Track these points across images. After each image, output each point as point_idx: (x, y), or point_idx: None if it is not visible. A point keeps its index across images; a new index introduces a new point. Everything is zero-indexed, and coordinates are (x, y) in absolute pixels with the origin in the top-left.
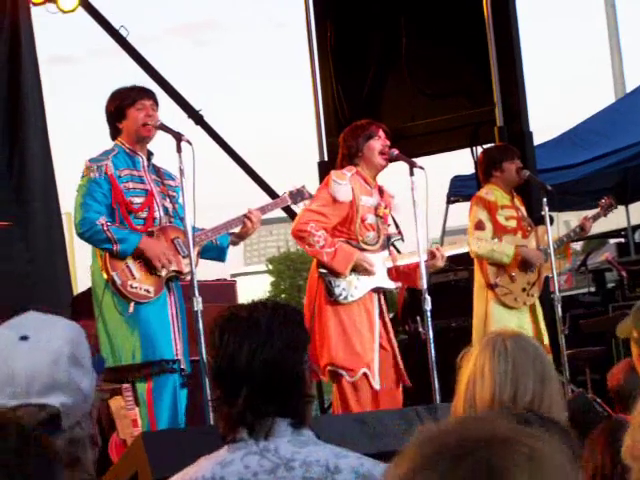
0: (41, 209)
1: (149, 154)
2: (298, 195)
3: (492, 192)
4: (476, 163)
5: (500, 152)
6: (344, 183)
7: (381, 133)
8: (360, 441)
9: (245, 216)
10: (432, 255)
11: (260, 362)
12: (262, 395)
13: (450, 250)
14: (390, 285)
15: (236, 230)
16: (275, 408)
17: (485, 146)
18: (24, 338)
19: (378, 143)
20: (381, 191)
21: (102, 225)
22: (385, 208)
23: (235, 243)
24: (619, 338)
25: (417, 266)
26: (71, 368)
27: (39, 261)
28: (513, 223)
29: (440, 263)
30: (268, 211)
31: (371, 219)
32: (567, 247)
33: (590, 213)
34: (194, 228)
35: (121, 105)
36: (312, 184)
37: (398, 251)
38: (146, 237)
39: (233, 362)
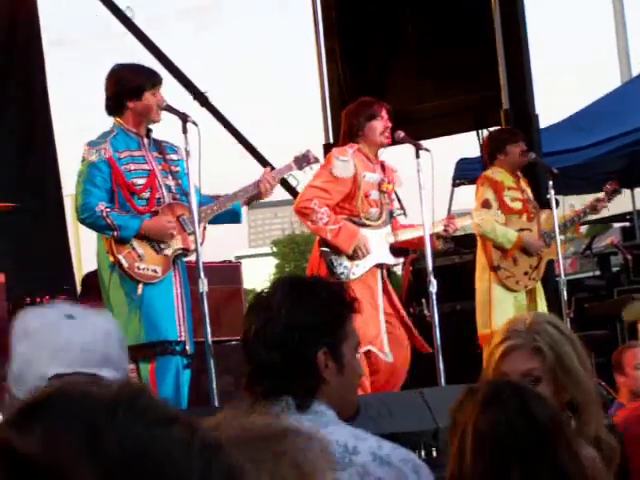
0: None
1: (148, 131)
2: (303, 160)
3: (498, 173)
4: (481, 146)
5: (504, 135)
6: (346, 159)
7: (384, 113)
8: (364, 423)
9: (259, 182)
10: (444, 229)
11: (263, 341)
12: (263, 374)
13: (459, 222)
14: (392, 261)
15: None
16: (276, 388)
17: (491, 129)
18: (70, 317)
19: (380, 124)
20: (383, 167)
21: (102, 211)
22: (388, 183)
23: (248, 204)
24: (624, 322)
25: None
26: (119, 348)
27: (22, 251)
28: (519, 205)
29: (451, 233)
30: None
31: (375, 195)
32: (577, 228)
33: (600, 196)
34: (203, 197)
35: (140, 86)
36: (318, 166)
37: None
38: (146, 221)
39: (246, 340)
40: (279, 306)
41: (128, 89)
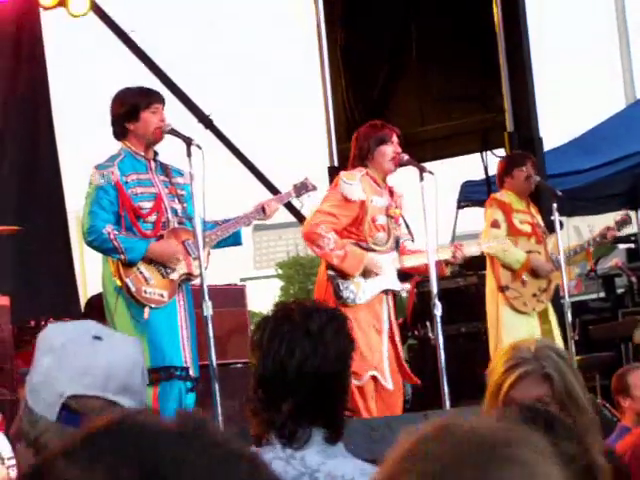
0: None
1: (154, 154)
2: (302, 187)
3: (507, 195)
4: (486, 168)
5: (513, 159)
6: (354, 183)
7: (394, 138)
8: (369, 446)
9: (262, 207)
10: (453, 256)
11: (310, 372)
12: (307, 406)
13: (467, 250)
14: (399, 287)
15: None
16: (317, 419)
17: (495, 151)
18: (97, 338)
19: (390, 149)
20: (391, 192)
21: (109, 234)
22: (396, 208)
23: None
24: (629, 344)
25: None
26: (142, 378)
27: (26, 273)
28: (527, 227)
29: (458, 261)
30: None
31: (382, 220)
32: (588, 252)
33: (611, 224)
34: (206, 224)
35: (135, 107)
36: (322, 189)
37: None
38: (153, 243)
39: (282, 369)
40: (321, 333)
41: (124, 112)
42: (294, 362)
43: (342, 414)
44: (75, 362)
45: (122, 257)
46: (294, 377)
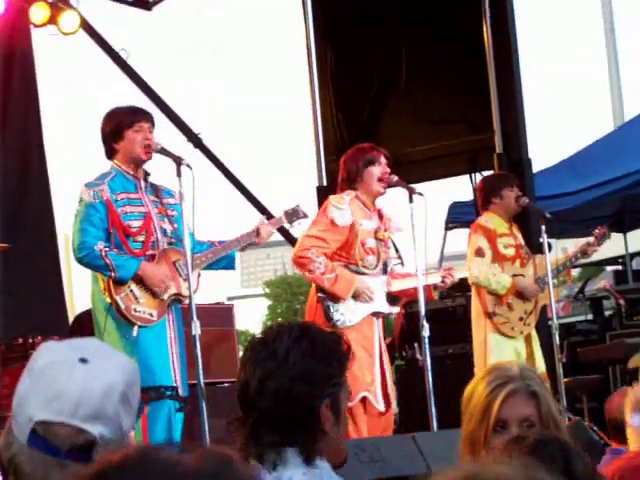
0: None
1: (145, 174)
2: (293, 215)
3: (491, 220)
4: (475, 190)
5: (500, 180)
6: (343, 207)
7: (382, 160)
8: (357, 467)
9: (258, 230)
10: (442, 281)
11: (269, 391)
12: (268, 424)
13: (457, 274)
14: (388, 309)
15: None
16: (281, 439)
17: (484, 173)
18: (83, 361)
19: (378, 170)
20: (380, 214)
21: (100, 251)
22: (385, 231)
23: (242, 249)
24: (617, 366)
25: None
26: (119, 404)
27: (15, 291)
28: (511, 251)
29: (448, 285)
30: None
31: (371, 243)
32: (569, 272)
33: (590, 240)
34: (198, 242)
35: (119, 126)
36: (311, 209)
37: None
38: (145, 263)
39: (247, 388)
40: (287, 354)
41: (109, 132)
42: (255, 381)
43: (312, 436)
44: (49, 386)
45: (112, 274)
46: (254, 396)
